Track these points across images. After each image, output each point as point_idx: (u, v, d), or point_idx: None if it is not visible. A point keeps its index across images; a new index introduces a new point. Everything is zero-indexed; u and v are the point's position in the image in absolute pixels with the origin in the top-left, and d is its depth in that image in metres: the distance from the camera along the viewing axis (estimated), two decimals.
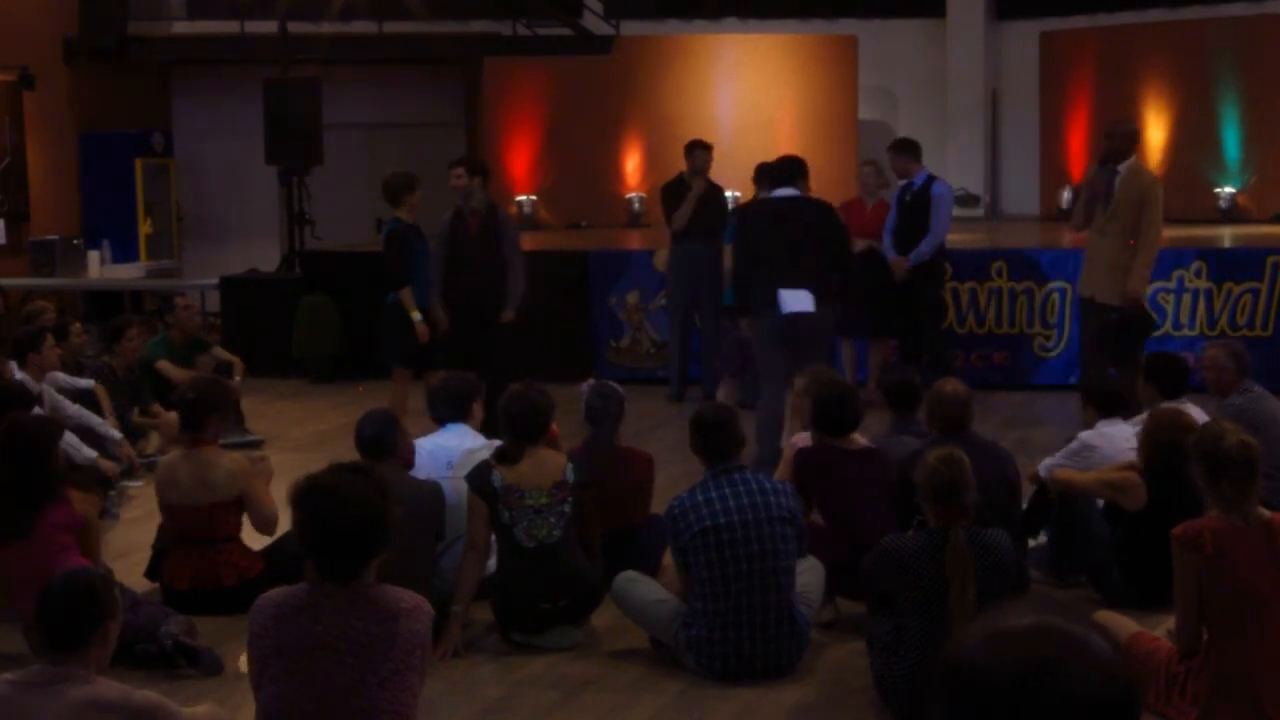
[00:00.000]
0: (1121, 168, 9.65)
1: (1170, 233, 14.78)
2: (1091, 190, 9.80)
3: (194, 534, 6.87)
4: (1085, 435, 7.10)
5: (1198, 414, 7.12)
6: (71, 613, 4.20)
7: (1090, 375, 7.78)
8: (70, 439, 8.40)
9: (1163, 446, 6.48)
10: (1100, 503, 6.91)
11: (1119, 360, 9.27)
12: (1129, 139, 9.82)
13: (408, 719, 4.02)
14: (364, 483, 4.04)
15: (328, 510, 3.95)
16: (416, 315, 9.87)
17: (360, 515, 3.95)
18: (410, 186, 9.95)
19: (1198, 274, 11.96)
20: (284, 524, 7.25)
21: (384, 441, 6.41)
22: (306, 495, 4.02)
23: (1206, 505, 5.44)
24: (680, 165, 12.14)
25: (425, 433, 7.25)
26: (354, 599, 3.97)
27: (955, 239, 12.48)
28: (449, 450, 7.03)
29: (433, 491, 6.44)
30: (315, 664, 3.95)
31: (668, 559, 6.37)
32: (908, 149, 11.38)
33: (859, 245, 11.14)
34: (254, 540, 7.09)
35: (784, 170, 9.39)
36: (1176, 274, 12.01)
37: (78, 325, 10.66)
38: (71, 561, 5.67)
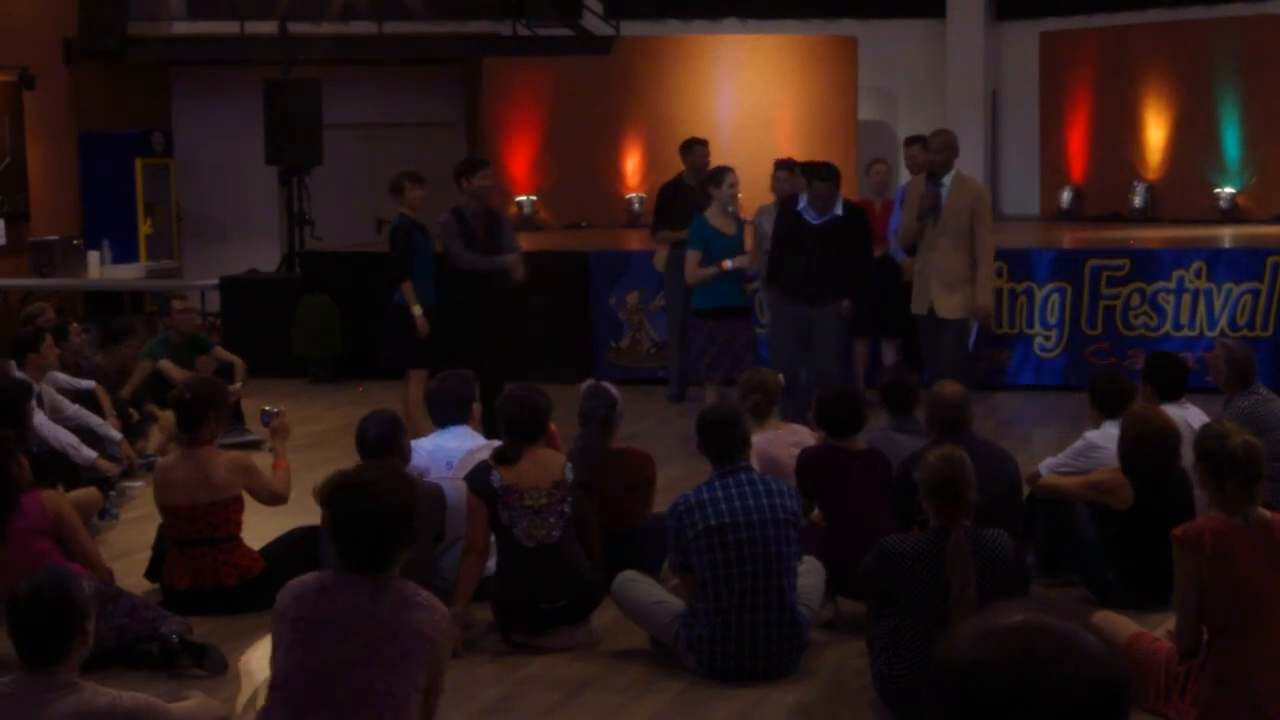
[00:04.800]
0: (946, 180, 9.65)
1: (1170, 233, 14.92)
2: (920, 207, 9.79)
3: (194, 534, 6.86)
4: (1091, 435, 7.10)
5: (1197, 415, 7.13)
6: (46, 626, 4.18)
7: (1097, 376, 7.77)
8: (70, 439, 8.41)
9: (1139, 444, 6.49)
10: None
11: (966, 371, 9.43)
12: (949, 151, 9.78)
13: (405, 710, 4.04)
14: (393, 479, 4.26)
15: (361, 504, 4.10)
16: (417, 310, 9.91)
17: (391, 509, 4.10)
18: (400, 185, 10.08)
19: (1198, 274, 11.96)
20: (284, 523, 7.28)
21: (388, 443, 6.41)
22: (338, 491, 4.19)
23: (1199, 503, 5.44)
24: (679, 166, 12.16)
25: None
26: (373, 586, 4.10)
27: None
28: (449, 451, 7.04)
29: (433, 492, 6.45)
30: (323, 638, 4.05)
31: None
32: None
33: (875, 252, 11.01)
34: (254, 540, 7.09)
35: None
36: (1176, 274, 12.01)
37: (75, 325, 10.66)
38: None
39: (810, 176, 9.99)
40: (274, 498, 7.09)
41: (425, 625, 4.07)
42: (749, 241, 10.73)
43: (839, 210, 9.92)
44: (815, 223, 9.86)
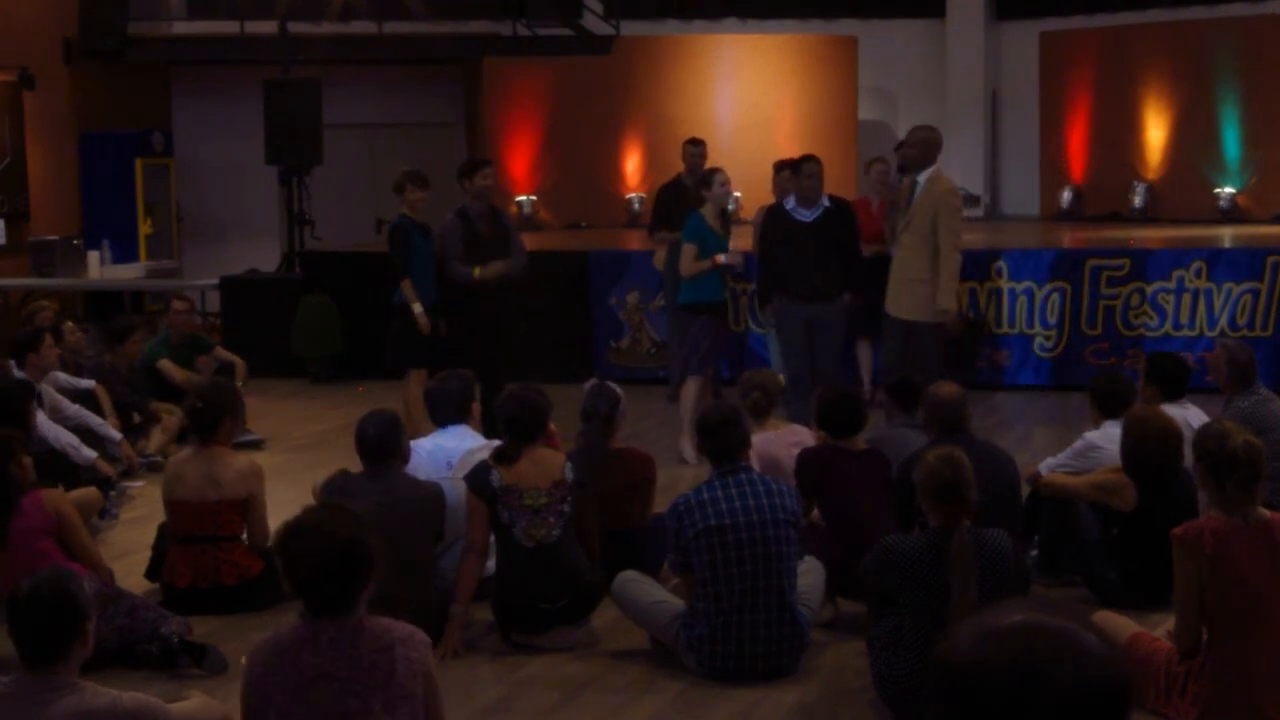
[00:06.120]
0: (922, 177, 9.37)
1: (1170, 233, 14.92)
2: (891, 202, 9.58)
3: (197, 531, 6.88)
4: (1090, 435, 7.10)
5: (1197, 415, 7.13)
6: (47, 626, 4.17)
7: (1097, 376, 7.76)
8: (70, 439, 8.41)
9: (1141, 446, 6.49)
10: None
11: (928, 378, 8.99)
12: (927, 146, 9.46)
13: None
14: (340, 517, 4.08)
15: (310, 548, 3.96)
16: (418, 307, 9.92)
17: (341, 548, 3.94)
18: (401, 185, 10.09)
19: (1198, 274, 11.95)
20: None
21: (388, 443, 6.40)
22: (287, 538, 4.05)
23: (1201, 503, 5.43)
24: (679, 166, 12.16)
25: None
26: (349, 631, 3.97)
27: None
28: (449, 451, 7.04)
29: (434, 492, 6.44)
30: (320, 693, 3.93)
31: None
32: None
33: (870, 250, 10.91)
34: None
35: None
36: (1176, 274, 12.01)
37: (70, 324, 10.66)
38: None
39: (801, 162, 9.97)
40: (263, 534, 6.97)
41: (414, 660, 3.97)
42: (733, 242, 10.73)
43: (826, 203, 9.90)
44: (808, 220, 9.82)
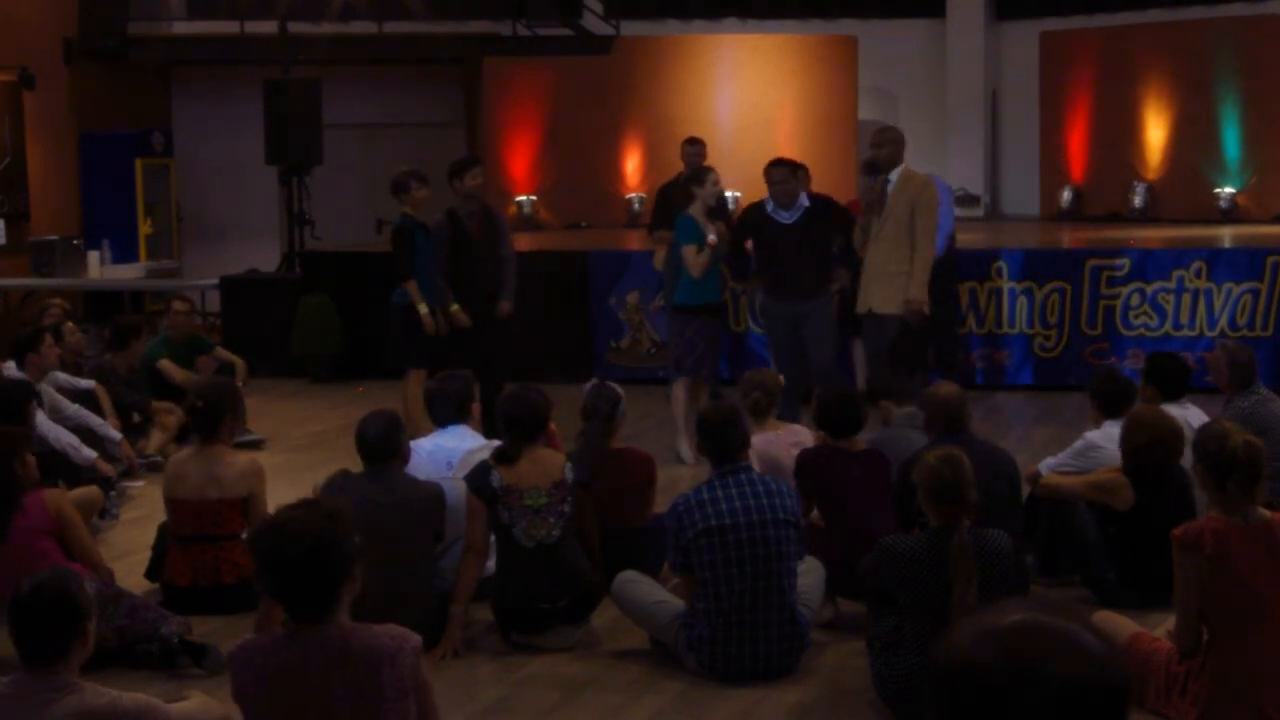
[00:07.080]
0: (893, 175, 9.59)
1: (1170, 233, 14.92)
2: (866, 203, 9.74)
3: (198, 530, 6.89)
4: (1091, 435, 7.10)
5: (1197, 415, 7.13)
6: (47, 626, 4.17)
7: (1097, 376, 7.76)
8: (70, 439, 8.42)
9: (1141, 447, 6.49)
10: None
11: (907, 368, 9.24)
12: (896, 145, 9.72)
13: None
14: (311, 514, 3.91)
15: (278, 547, 3.84)
16: (424, 308, 9.90)
17: (312, 546, 3.81)
18: (406, 185, 10.04)
19: (1198, 274, 11.96)
20: None
21: (388, 443, 6.40)
22: (257, 539, 3.94)
23: (1200, 503, 5.43)
24: (679, 166, 12.16)
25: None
26: (338, 650, 3.85)
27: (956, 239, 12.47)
28: (449, 451, 7.04)
29: (434, 492, 6.44)
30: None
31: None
32: None
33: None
34: None
35: None
36: (1176, 274, 12.01)
37: (71, 325, 10.66)
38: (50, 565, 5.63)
39: (769, 167, 10.02)
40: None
41: (404, 678, 3.86)
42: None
43: (805, 203, 9.89)
44: (787, 222, 9.82)
